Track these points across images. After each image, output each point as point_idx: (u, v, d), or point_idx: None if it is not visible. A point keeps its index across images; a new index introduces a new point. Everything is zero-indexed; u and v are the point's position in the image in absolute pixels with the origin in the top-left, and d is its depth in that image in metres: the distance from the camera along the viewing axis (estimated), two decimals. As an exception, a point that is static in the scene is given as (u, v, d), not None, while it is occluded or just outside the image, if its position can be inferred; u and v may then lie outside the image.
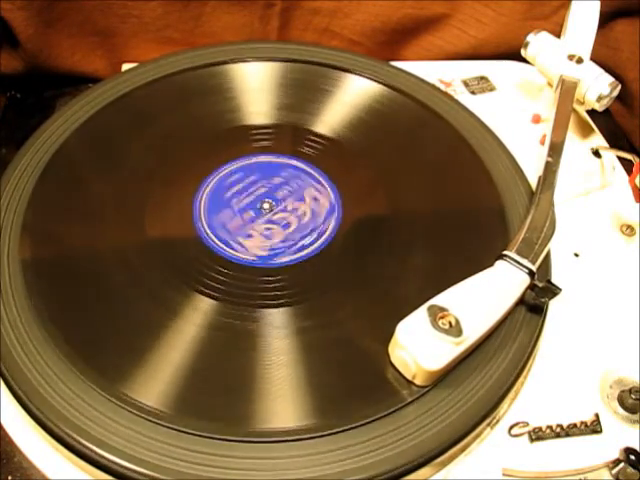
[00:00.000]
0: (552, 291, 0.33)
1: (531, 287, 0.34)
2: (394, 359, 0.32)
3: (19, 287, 0.34)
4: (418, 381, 0.31)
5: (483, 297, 0.32)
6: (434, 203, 0.41)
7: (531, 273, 0.33)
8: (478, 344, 0.32)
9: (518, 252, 0.34)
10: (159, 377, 0.31)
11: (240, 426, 0.30)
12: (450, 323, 0.31)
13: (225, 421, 0.30)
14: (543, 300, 0.34)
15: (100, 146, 0.42)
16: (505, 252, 0.34)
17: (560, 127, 0.41)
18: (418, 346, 0.30)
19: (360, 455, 0.29)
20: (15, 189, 0.38)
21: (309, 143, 0.44)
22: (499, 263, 0.34)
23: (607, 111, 0.46)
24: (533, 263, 0.34)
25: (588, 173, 0.44)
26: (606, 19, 0.52)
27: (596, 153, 0.45)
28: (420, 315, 0.31)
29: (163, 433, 0.29)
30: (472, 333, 0.31)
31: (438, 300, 0.31)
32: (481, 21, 0.55)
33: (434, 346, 0.30)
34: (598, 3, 0.46)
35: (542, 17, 0.54)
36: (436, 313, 0.31)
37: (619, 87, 0.43)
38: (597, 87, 0.43)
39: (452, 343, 0.30)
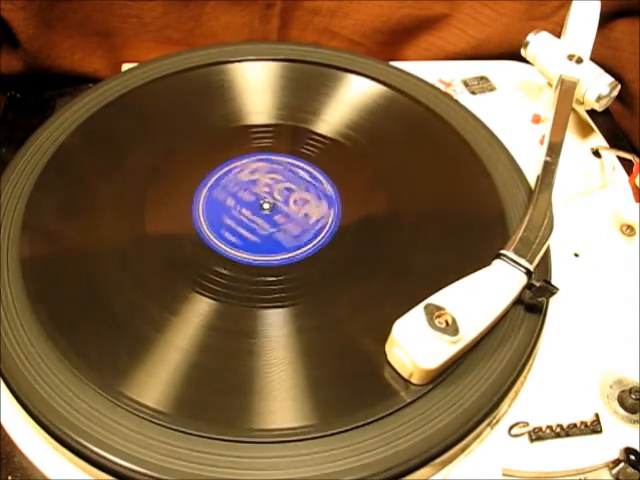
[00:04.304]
0: (549, 290, 0.33)
1: (528, 286, 0.34)
2: (391, 358, 0.32)
3: (18, 286, 0.34)
4: (415, 380, 0.31)
5: (480, 296, 0.32)
6: (433, 203, 0.41)
7: (528, 272, 0.33)
8: (475, 343, 0.32)
9: (516, 251, 0.34)
10: (159, 377, 0.31)
11: (240, 426, 0.30)
12: (447, 322, 0.31)
13: (225, 421, 0.30)
14: (540, 299, 0.34)
15: (100, 146, 0.42)
16: (502, 251, 0.34)
17: (559, 127, 0.41)
18: (415, 345, 0.30)
19: (360, 455, 0.29)
20: (15, 188, 0.39)
21: (309, 143, 0.44)
22: (496, 262, 0.34)
23: (607, 111, 0.46)
24: (530, 262, 0.34)
25: (588, 173, 0.44)
26: (606, 19, 0.52)
27: (596, 153, 0.45)
28: (417, 314, 0.31)
29: (163, 433, 0.29)
30: (469, 332, 0.31)
31: (435, 299, 0.31)
32: (481, 21, 0.55)
33: (431, 345, 0.30)
34: (598, 3, 0.46)
35: (542, 17, 0.54)
36: (433, 312, 0.31)
37: (619, 87, 0.43)
38: (596, 87, 0.43)
39: (449, 342, 0.30)
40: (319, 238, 0.38)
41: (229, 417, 0.30)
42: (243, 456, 0.29)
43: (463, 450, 0.31)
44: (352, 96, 0.46)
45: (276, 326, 0.34)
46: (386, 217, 0.40)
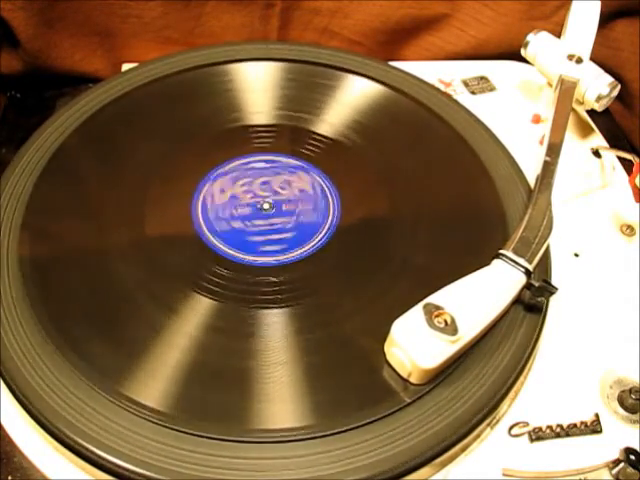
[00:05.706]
0: (548, 290, 0.33)
1: (528, 286, 0.34)
2: (390, 357, 0.32)
3: (18, 287, 0.34)
4: (414, 379, 0.31)
5: (479, 296, 0.32)
6: (433, 202, 0.41)
7: (527, 272, 0.33)
8: (474, 343, 0.32)
9: (515, 251, 0.34)
10: (159, 377, 0.31)
11: (239, 426, 0.30)
12: (445, 322, 0.31)
13: (224, 421, 0.30)
14: (540, 299, 0.34)
15: (100, 146, 0.42)
16: (502, 251, 0.34)
17: (559, 127, 0.41)
18: (414, 344, 0.30)
19: (360, 455, 0.29)
20: (15, 188, 0.39)
21: (309, 143, 0.44)
22: (496, 262, 0.34)
23: (607, 111, 0.46)
24: (530, 262, 0.34)
25: (588, 173, 0.44)
26: (606, 19, 0.52)
27: (596, 153, 0.45)
28: (416, 313, 0.31)
29: (162, 433, 0.29)
30: (467, 332, 0.31)
31: (434, 298, 0.31)
32: (481, 21, 0.55)
33: (430, 344, 0.30)
34: (598, 3, 0.46)
35: (542, 17, 0.54)
36: (432, 311, 0.31)
37: (618, 87, 0.43)
38: (596, 87, 0.43)
39: (447, 342, 0.30)
40: (319, 238, 0.38)
41: (229, 417, 0.30)
42: (242, 456, 0.29)
43: (463, 450, 0.31)
44: (352, 96, 0.46)
45: (276, 326, 0.34)
46: (386, 217, 0.40)
